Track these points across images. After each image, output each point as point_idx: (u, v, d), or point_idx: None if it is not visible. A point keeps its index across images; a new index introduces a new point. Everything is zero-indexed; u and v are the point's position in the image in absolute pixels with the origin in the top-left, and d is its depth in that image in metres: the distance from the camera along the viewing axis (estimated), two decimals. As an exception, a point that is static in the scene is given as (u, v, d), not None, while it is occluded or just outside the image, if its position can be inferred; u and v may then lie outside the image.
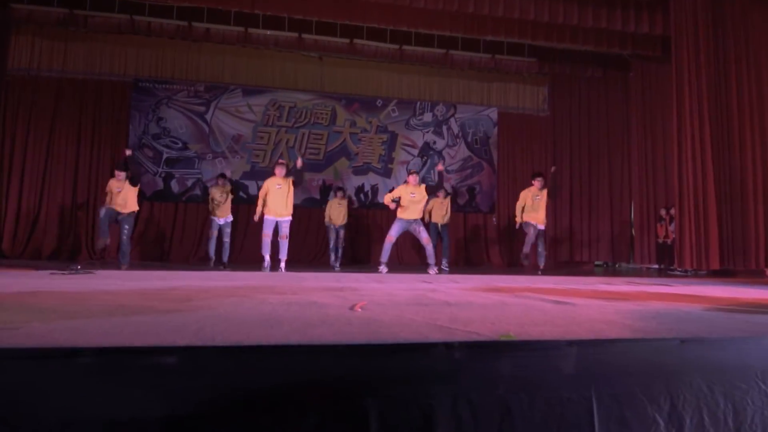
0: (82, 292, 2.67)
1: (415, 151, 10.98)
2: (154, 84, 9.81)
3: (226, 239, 7.75)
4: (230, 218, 7.90)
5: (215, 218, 7.85)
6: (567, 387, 1.31)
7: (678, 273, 8.70)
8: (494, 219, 11.16)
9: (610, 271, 9.71)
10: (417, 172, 7.17)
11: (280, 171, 6.79)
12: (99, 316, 1.82)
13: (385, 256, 6.58)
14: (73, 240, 9.25)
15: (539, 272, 7.08)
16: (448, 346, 1.30)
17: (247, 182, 10.03)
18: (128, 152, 6.96)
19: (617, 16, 8.21)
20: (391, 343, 1.35)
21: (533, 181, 7.47)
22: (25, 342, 1.31)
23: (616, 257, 11.08)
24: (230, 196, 7.91)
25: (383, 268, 6.40)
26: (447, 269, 7.93)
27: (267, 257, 6.50)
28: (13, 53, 9.32)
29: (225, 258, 7.70)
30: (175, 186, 9.75)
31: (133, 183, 6.70)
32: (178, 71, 9.98)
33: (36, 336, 1.41)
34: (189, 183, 9.79)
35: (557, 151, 11.33)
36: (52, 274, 4.29)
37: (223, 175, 8.10)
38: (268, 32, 9.61)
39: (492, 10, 7.82)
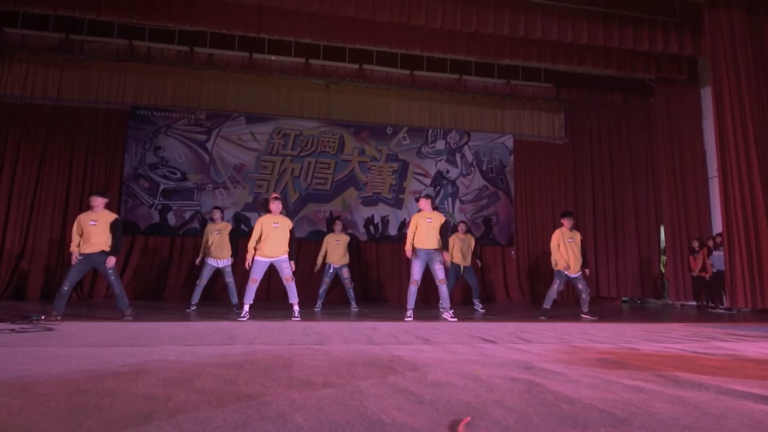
0: (31, 376, 1.74)
1: (428, 181, 10.37)
2: (153, 112, 9.29)
3: (229, 279, 6.70)
4: (229, 261, 6.65)
5: (210, 260, 6.59)
6: None
7: (722, 311, 7.92)
8: (513, 253, 10.45)
9: (648, 310, 8.90)
10: (430, 196, 6.06)
11: (276, 207, 5.60)
12: None
13: (411, 302, 5.63)
14: (60, 279, 8.49)
15: (582, 316, 6.15)
16: None
17: (248, 214, 9.37)
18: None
19: (644, 37, 7.74)
20: None
21: (563, 221, 6.34)
22: None
23: (645, 292, 10.29)
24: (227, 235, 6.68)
25: (410, 316, 5.50)
26: (482, 310, 7.16)
27: (248, 307, 5.32)
28: (5, 79, 8.86)
29: (234, 299, 6.77)
30: (172, 219, 9.08)
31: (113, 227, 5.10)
32: (179, 98, 9.49)
33: None
34: (187, 216, 9.13)
35: (577, 179, 10.75)
36: (10, 326, 3.53)
37: (218, 208, 6.93)
38: (273, 58, 9.18)
39: (512, 29, 7.35)
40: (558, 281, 6.20)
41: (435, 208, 6.02)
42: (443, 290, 5.69)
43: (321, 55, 9.12)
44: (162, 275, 8.94)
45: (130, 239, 8.86)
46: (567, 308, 8.34)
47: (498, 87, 10.17)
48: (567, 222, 6.34)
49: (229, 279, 6.71)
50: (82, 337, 3.26)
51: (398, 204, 10.12)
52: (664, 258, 10.09)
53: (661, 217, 10.17)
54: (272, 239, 5.45)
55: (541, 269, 10.33)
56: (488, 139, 10.74)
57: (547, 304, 6.21)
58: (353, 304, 7.41)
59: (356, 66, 9.38)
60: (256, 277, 5.42)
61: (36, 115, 8.89)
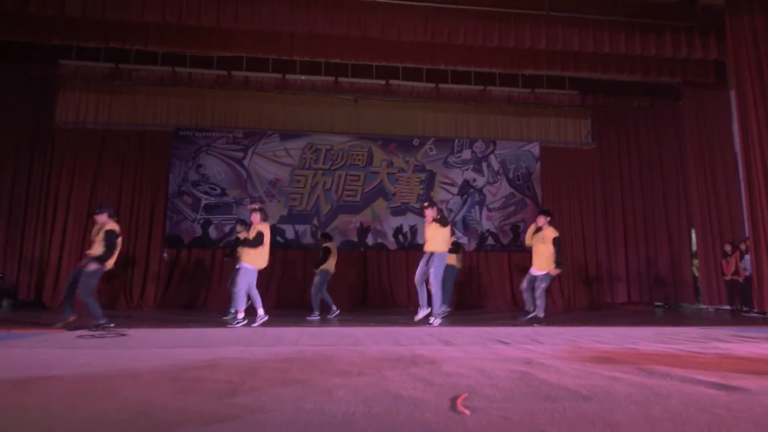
0: (100, 378, 2.19)
1: (455, 189, 10.63)
2: (194, 132, 9.92)
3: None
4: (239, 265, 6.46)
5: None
6: None
7: (755, 315, 7.84)
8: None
9: (681, 314, 8.87)
10: (429, 205, 5.99)
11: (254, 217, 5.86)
12: None
13: (436, 306, 5.85)
14: (112, 291, 9.15)
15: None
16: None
17: (284, 226, 9.85)
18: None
19: (667, 43, 7.82)
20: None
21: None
22: None
23: (678, 297, 10.20)
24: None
25: (434, 320, 5.73)
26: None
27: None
28: (61, 107, 9.64)
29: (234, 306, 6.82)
30: (213, 232, 9.65)
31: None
32: (217, 119, 10.10)
33: None
34: (227, 229, 9.68)
35: (605, 184, 10.78)
36: (79, 337, 4.01)
37: (243, 222, 7.09)
38: (304, 77, 9.67)
39: (534, 43, 7.58)
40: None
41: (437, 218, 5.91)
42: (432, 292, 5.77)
43: (349, 73, 9.56)
44: (204, 285, 9.49)
45: (176, 252, 9.46)
46: (597, 311, 8.42)
47: (522, 96, 10.36)
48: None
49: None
50: (153, 341, 3.76)
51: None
52: (696, 262, 10.00)
53: (692, 220, 10.10)
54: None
55: (571, 275, 10.39)
56: (514, 147, 10.92)
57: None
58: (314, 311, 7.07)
59: (383, 82, 9.77)
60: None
61: (89, 139, 9.63)
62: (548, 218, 6.27)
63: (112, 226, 5.10)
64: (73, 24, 7.68)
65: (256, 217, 5.86)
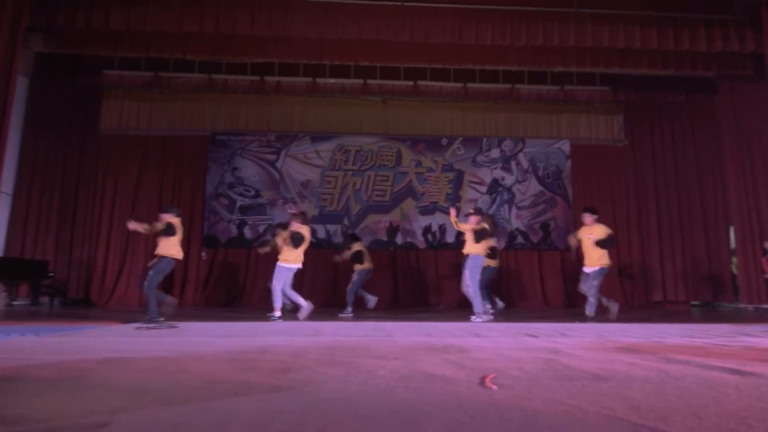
0: (169, 359, 2.50)
1: (484, 189, 10.65)
2: (230, 136, 10.29)
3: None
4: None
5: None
6: None
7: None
8: (572, 257, 10.44)
9: (719, 312, 8.66)
10: (474, 212, 6.22)
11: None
12: (196, 400, 1.64)
13: (477, 305, 5.82)
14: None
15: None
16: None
17: (315, 226, 10.08)
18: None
19: (701, 37, 7.67)
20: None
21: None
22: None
23: (717, 296, 9.94)
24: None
25: (476, 318, 5.84)
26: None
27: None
28: (105, 115, 10.16)
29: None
30: (248, 232, 9.99)
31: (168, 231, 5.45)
32: (251, 123, 10.44)
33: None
34: (261, 229, 10.00)
35: (639, 181, 10.59)
36: (137, 329, 4.33)
37: (280, 225, 7.51)
38: (333, 81, 9.89)
39: (563, 40, 7.56)
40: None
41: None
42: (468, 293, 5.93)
43: (378, 75, 9.72)
44: (241, 283, 9.83)
45: (213, 252, 9.84)
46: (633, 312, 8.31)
47: (552, 93, 10.29)
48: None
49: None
50: (204, 332, 4.08)
51: (455, 212, 10.46)
52: (734, 260, 9.72)
53: (730, 217, 9.82)
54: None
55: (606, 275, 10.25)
56: (543, 144, 10.86)
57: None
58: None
59: (411, 83, 9.90)
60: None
61: (131, 145, 10.12)
62: (594, 215, 6.26)
63: (173, 220, 5.56)
64: (116, 36, 8.13)
65: (295, 225, 6.16)
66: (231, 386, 1.85)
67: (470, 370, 2.18)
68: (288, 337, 3.67)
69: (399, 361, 2.46)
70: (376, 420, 1.37)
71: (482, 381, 1.92)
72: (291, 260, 6.06)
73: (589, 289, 6.04)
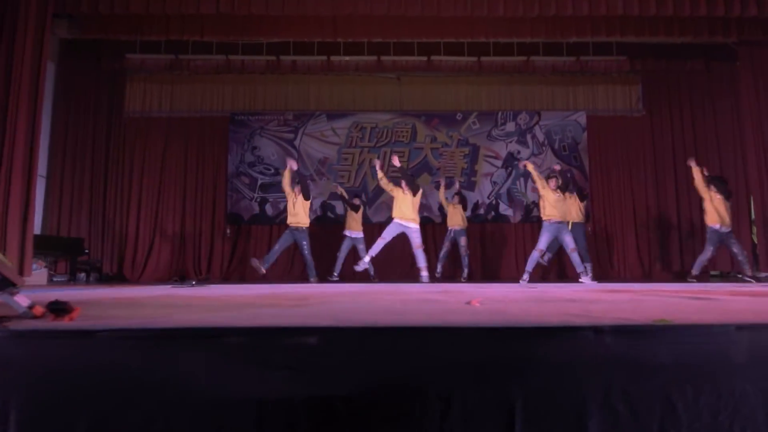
0: (210, 296, 3.14)
1: (499, 162, 10.73)
2: (248, 116, 10.57)
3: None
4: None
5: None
6: (740, 377, 1.15)
7: (817, 281, 7.58)
8: (588, 228, 10.52)
9: (738, 281, 8.68)
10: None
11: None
12: (236, 309, 2.14)
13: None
14: (182, 266, 10.06)
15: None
16: (597, 330, 1.20)
17: (333, 203, 10.37)
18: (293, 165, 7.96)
19: (718, 2, 7.52)
20: (534, 326, 1.28)
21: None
22: (178, 325, 1.46)
23: (736, 265, 9.89)
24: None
25: (525, 278, 7.09)
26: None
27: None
28: (129, 98, 10.52)
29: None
30: (269, 209, 10.34)
31: (305, 196, 7.75)
32: (269, 103, 10.68)
33: (186, 322, 1.58)
34: (281, 206, 10.31)
35: (657, 152, 10.52)
36: (173, 287, 4.72)
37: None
38: (348, 58, 10.00)
39: (576, 9, 7.52)
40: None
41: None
42: (574, 257, 7.18)
43: (391, 51, 9.79)
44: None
45: (236, 228, 10.24)
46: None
47: (568, 65, 10.20)
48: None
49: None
50: (233, 289, 4.62)
51: (471, 186, 10.61)
52: (755, 229, 9.65)
53: (749, 186, 9.70)
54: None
55: (617, 244, 10.33)
56: (559, 117, 10.83)
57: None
58: (465, 272, 8.71)
59: (425, 58, 9.94)
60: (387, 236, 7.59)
61: (155, 126, 10.49)
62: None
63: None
64: (137, 19, 8.39)
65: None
66: (264, 304, 2.42)
67: (462, 297, 2.66)
68: (308, 289, 4.33)
69: (403, 295, 3.01)
70: (374, 314, 1.74)
71: (469, 302, 2.31)
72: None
73: (736, 248, 7.25)
